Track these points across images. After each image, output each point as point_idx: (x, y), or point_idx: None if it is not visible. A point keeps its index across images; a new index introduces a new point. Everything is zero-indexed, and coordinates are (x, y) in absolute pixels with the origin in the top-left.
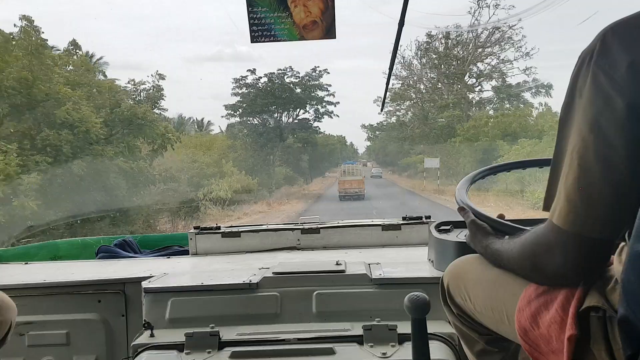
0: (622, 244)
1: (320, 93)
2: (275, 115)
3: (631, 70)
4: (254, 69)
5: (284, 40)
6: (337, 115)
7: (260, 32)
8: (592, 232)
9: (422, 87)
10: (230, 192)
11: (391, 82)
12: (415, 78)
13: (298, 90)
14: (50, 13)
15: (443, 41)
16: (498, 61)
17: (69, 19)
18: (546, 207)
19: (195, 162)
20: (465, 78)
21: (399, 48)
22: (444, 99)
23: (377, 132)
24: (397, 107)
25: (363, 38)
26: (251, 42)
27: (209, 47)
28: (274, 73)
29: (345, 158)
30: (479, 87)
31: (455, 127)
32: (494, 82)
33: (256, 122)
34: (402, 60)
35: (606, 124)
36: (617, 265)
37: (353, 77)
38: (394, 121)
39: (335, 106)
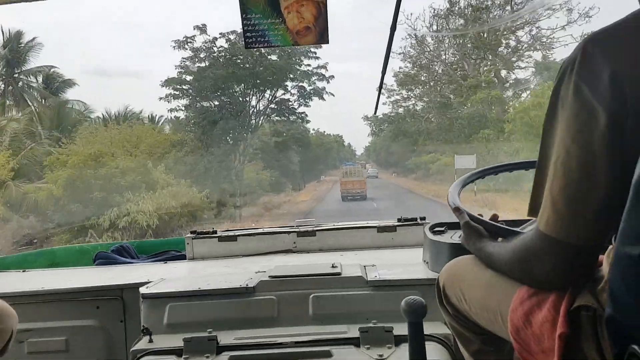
0: (611, 246)
1: (308, 62)
2: (242, 95)
3: (613, 80)
4: (204, 26)
5: (278, 46)
6: (332, 94)
7: (254, 38)
8: (578, 240)
9: (439, 68)
10: (157, 215)
11: (400, 64)
12: (430, 56)
13: (274, 57)
14: (44, 23)
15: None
16: (543, 30)
17: (65, 28)
18: (531, 211)
19: (103, 167)
20: (500, 49)
21: (391, 52)
22: (474, 77)
23: (384, 125)
24: (408, 94)
25: (356, 42)
26: (245, 47)
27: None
28: (236, 32)
29: (342, 159)
30: (518, 61)
31: (488, 115)
32: (536, 56)
33: (210, 106)
34: (412, 36)
35: (589, 135)
36: (606, 266)
37: (347, 80)
38: (402, 112)
39: (329, 82)
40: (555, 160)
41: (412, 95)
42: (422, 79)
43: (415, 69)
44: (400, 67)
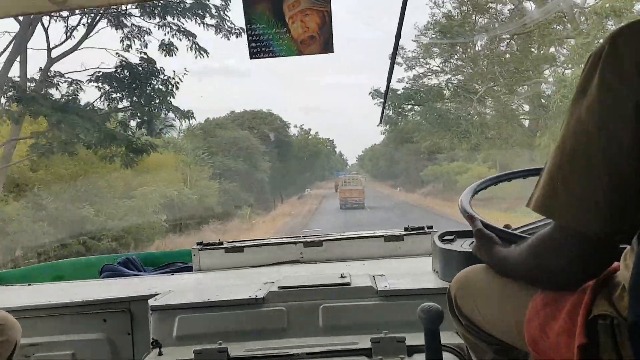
0: (627, 248)
1: None
2: None
3: (639, 69)
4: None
5: (282, 56)
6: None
7: (258, 48)
8: (596, 231)
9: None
10: None
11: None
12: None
13: None
14: None
15: None
16: None
17: None
18: (529, 203)
19: None
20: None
21: (395, 61)
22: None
23: (408, 107)
24: (443, 64)
25: (357, 54)
26: (250, 58)
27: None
28: None
29: (332, 169)
30: None
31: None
32: None
33: None
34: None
35: (613, 121)
36: (624, 271)
37: (346, 91)
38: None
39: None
40: (576, 148)
41: (447, 65)
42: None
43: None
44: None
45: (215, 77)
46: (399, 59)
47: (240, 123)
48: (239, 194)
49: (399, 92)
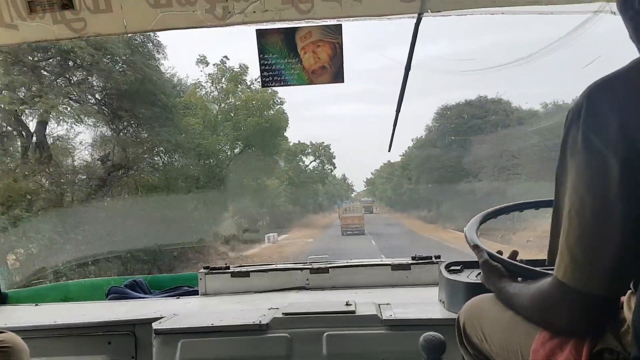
0: (629, 291)
1: None
2: None
3: (622, 129)
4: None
5: (293, 85)
6: None
7: (270, 77)
8: (596, 289)
9: None
10: None
11: None
12: None
13: None
14: None
15: None
16: None
17: None
18: (550, 257)
19: None
20: None
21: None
22: None
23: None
24: None
25: (367, 83)
26: (262, 86)
27: None
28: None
29: (332, 196)
30: None
31: None
32: None
33: None
34: None
35: (603, 184)
36: (627, 312)
37: (354, 120)
38: None
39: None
40: (570, 209)
41: None
42: None
43: None
44: None
45: None
46: None
47: None
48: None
49: None
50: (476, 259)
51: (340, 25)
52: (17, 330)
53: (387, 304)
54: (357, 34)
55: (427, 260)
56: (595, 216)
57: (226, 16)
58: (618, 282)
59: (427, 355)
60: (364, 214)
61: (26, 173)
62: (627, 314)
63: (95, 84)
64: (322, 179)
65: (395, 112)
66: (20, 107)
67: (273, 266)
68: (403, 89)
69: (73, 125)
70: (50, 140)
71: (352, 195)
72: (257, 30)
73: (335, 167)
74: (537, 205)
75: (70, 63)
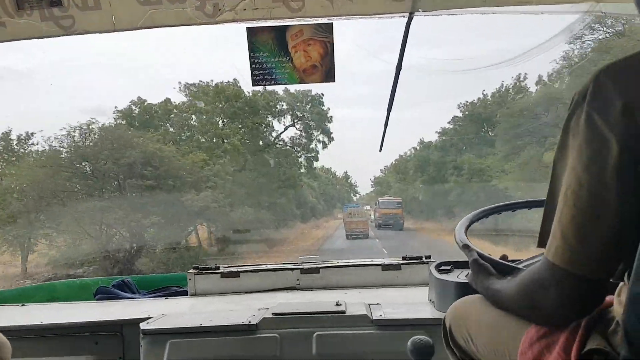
0: (621, 284)
1: None
2: None
3: (625, 112)
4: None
5: (284, 84)
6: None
7: (261, 75)
8: (587, 271)
9: None
10: None
11: None
12: None
13: None
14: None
15: None
16: None
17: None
18: (540, 243)
19: None
20: None
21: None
22: None
23: None
24: None
25: (362, 86)
26: (252, 85)
27: None
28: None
29: (330, 198)
30: None
31: None
32: None
33: None
34: None
35: (601, 165)
36: (617, 306)
37: (352, 125)
38: None
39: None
40: (566, 189)
41: None
42: None
43: None
44: None
45: None
46: None
47: None
48: None
49: None
50: (467, 259)
51: (332, 24)
52: (3, 331)
53: (377, 304)
54: (358, 37)
55: (418, 261)
56: (591, 196)
57: (216, 14)
58: (608, 266)
59: (415, 358)
60: (368, 219)
61: None
62: (617, 309)
63: None
64: (310, 165)
65: (386, 112)
66: None
67: (263, 266)
68: (394, 90)
69: None
70: None
71: (356, 198)
72: (247, 28)
73: (331, 138)
74: (529, 205)
75: None
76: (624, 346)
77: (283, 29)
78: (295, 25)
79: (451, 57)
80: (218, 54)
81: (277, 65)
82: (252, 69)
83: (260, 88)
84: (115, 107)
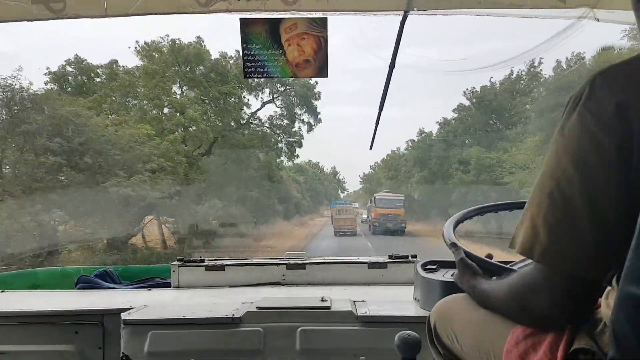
0: (609, 288)
1: None
2: None
3: (618, 111)
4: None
5: (276, 77)
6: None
7: (253, 68)
8: (578, 271)
9: None
10: None
11: None
12: None
13: None
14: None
15: None
16: None
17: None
18: (522, 245)
19: None
20: None
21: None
22: None
23: None
24: None
25: (353, 82)
26: (244, 77)
27: None
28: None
29: (316, 194)
30: None
31: None
32: None
33: None
34: None
35: (593, 164)
36: (605, 308)
37: (345, 122)
38: None
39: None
40: (554, 187)
41: None
42: None
43: None
44: None
45: None
46: None
47: None
48: None
49: None
50: (453, 259)
51: (326, 18)
52: None
53: (363, 301)
54: (354, 34)
55: (404, 260)
56: (582, 196)
57: (210, 3)
58: (600, 266)
59: (403, 354)
60: (356, 217)
61: None
62: (605, 311)
63: None
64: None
65: (378, 110)
66: None
67: (249, 261)
68: (386, 87)
69: None
70: None
71: (343, 195)
72: (240, 19)
73: (318, 119)
74: (521, 205)
75: None
76: (612, 346)
77: (277, 22)
78: (289, 18)
79: (445, 57)
80: (210, 44)
81: (269, 58)
82: (244, 61)
83: (231, 52)
84: (48, 67)
